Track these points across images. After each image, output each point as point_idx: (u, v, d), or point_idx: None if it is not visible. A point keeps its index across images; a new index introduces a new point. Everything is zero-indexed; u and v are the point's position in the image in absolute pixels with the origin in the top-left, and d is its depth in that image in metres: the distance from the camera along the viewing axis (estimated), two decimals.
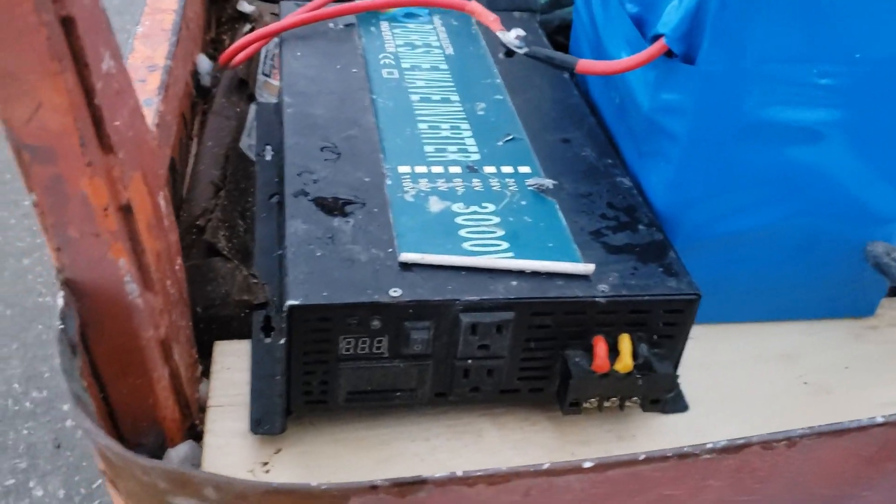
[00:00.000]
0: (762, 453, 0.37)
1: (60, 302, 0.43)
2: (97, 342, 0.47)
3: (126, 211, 0.44)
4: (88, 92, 0.39)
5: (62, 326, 0.42)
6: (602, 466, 0.35)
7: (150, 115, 0.55)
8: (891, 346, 0.64)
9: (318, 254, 0.50)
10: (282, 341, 0.49)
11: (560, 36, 0.85)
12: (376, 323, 0.48)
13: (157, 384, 0.50)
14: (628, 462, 0.36)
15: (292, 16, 0.71)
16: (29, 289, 1.45)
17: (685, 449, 0.36)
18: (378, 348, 0.49)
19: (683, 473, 0.37)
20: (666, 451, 0.36)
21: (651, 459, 0.36)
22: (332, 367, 0.50)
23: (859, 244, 0.60)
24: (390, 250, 0.51)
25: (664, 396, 0.53)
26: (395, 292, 0.48)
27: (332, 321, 0.48)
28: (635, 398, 0.53)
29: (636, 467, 0.36)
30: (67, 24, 0.37)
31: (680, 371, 0.55)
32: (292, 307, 0.47)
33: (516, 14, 0.83)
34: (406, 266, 0.50)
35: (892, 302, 0.67)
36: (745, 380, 0.60)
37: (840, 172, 0.57)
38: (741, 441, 0.37)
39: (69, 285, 0.44)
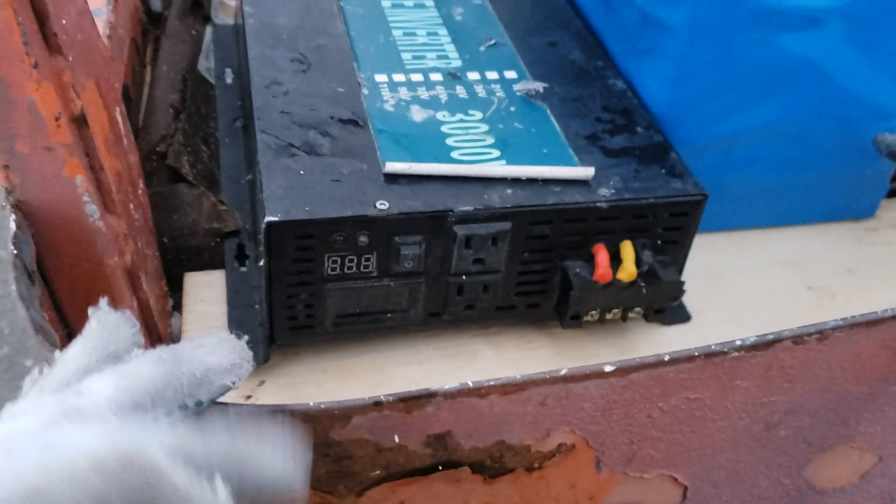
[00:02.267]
0: (793, 349, 0.35)
1: (12, 226, 0.39)
2: (57, 271, 0.43)
3: (80, 122, 0.39)
4: None
5: (16, 252, 0.38)
6: (624, 370, 0.32)
7: (100, 26, 0.50)
8: (892, 248, 0.62)
9: (295, 167, 0.46)
10: (261, 263, 0.45)
11: None
12: (363, 239, 0.44)
13: None
14: (653, 364, 0.33)
15: None
16: None
17: (713, 347, 0.33)
18: (366, 267, 0.46)
19: (710, 375, 0.34)
20: (692, 351, 0.33)
21: (677, 360, 0.33)
22: (317, 290, 0.46)
23: (861, 142, 0.58)
24: (374, 162, 0.47)
25: (669, 305, 0.50)
26: (383, 205, 0.44)
27: (316, 238, 0.44)
28: (638, 308, 0.50)
29: (661, 369, 0.33)
30: None
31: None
32: (271, 224, 0.43)
33: None
34: (392, 178, 0.46)
35: (892, 203, 0.65)
36: (749, 287, 0.58)
37: (841, 64, 0.53)
38: (771, 336, 0.34)
39: (21, 208, 0.40)
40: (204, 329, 0.52)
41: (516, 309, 0.50)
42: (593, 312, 0.50)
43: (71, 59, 0.38)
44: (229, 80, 0.69)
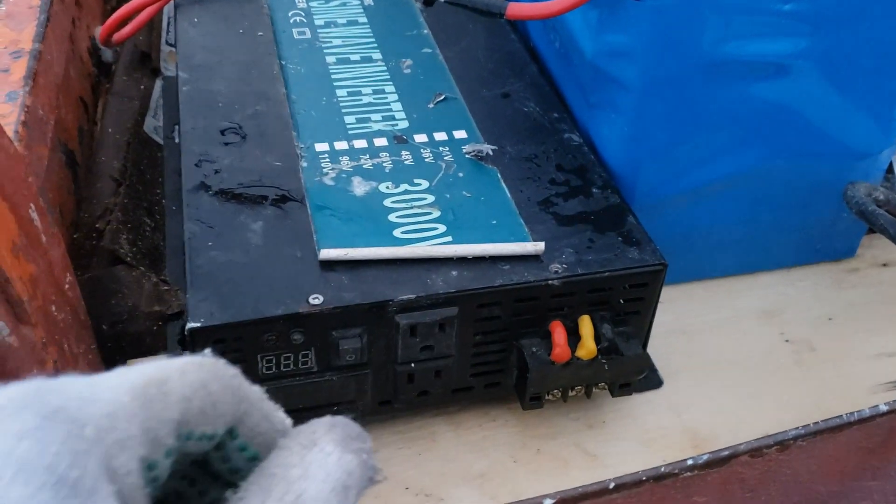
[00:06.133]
0: (751, 462, 0.32)
1: None
2: None
3: None
4: None
5: None
6: (566, 502, 0.29)
7: (13, 112, 0.47)
8: (874, 290, 0.59)
9: (223, 261, 0.43)
10: None
11: None
12: (298, 336, 0.41)
13: None
14: (597, 492, 0.30)
15: None
16: None
17: (662, 469, 0.30)
18: (304, 363, 0.43)
19: (663, 496, 0.31)
20: (640, 475, 0.30)
21: (624, 486, 0.30)
22: None
23: (837, 183, 0.54)
24: (309, 247, 0.44)
25: (634, 379, 0.47)
26: (316, 299, 0.41)
27: (245, 340, 0.41)
28: (603, 384, 0.47)
29: (607, 498, 0.30)
30: None
31: (650, 340, 0.49)
32: (194, 331, 0.40)
33: None
34: (328, 265, 0.43)
35: (873, 240, 0.62)
36: (723, 343, 0.55)
37: (813, 108, 0.50)
38: (726, 452, 0.31)
39: None
40: None
41: (474, 390, 0.47)
42: (555, 392, 0.47)
43: None
44: (178, 140, 0.67)
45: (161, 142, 0.68)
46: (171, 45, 0.79)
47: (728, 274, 0.59)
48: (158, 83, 0.75)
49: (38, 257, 0.43)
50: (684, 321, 0.56)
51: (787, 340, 0.55)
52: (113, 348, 0.53)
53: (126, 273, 0.54)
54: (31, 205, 0.43)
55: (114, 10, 0.91)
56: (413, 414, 0.49)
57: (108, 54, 0.83)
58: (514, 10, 0.48)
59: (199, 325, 0.40)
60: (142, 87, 0.75)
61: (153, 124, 0.70)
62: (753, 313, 0.57)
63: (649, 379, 0.51)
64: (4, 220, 0.39)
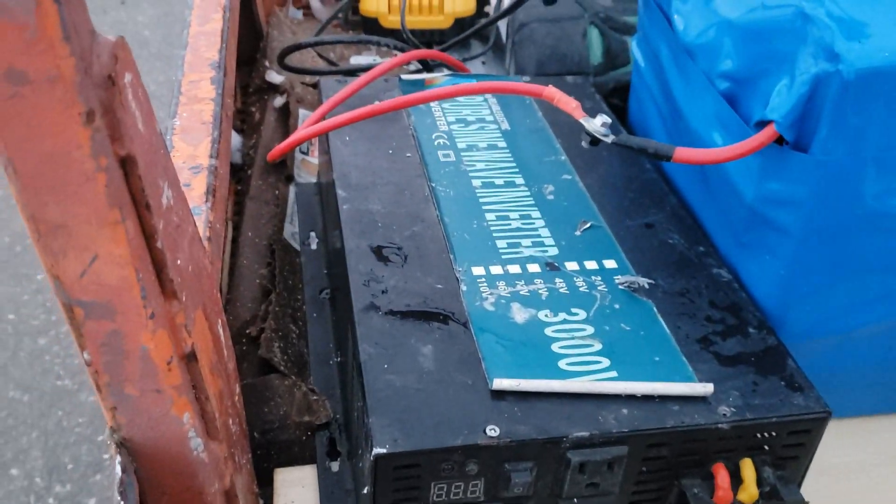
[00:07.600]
0: None
1: (117, 471, 0.37)
2: (156, 502, 0.41)
3: (190, 359, 0.38)
4: (150, 236, 0.34)
5: (122, 501, 0.36)
6: None
7: (200, 226, 0.49)
8: None
9: (399, 385, 0.44)
10: (365, 490, 0.43)
11: (615, 98, 0.80)
12: (472, 467, 0.42)
13: None
14: None
15: (346, 113, 0.64)
16: (46, 370, 1.36)
17: None
18: (473, 492, 0.43)
19: None
20: None
21: None
22: None
23: None
24: (478, 374, 0.45)
25: None
26: (493, 431, 0.42)
27: (423, 467, 0.42)
28: None
29: None
30: (126, 164, 0.32)
31: None
32: (379, 457, 0.41)
33: (569, 78, 0.78)
34: (499, 394, 0.44)
35: None
36: (863, 487, 0.54)
37: None
38: None
39: (125, 445, 0.39)
40: None
41: None
42: None
43: (184, 298, 0.37)
44: (314, 246, 0.69)
45: (298, 248, 0.70)
46: (303, 153, 0.83)
47: (865, 413, 0.58)
48: (292, 189, 0.78)
49: (223, 372, 0.45)
50: (826, 461, 0.55)
51: None
52: (262, 456, 0.54)
53: (279, 382, 0.55)
54: (219, 321, 0.45)
55: (240, 111, 0.96)
56: None
57: (237, 156, 0.87)
58: (682, 154, 0.49)
59: (384, 451, 0.41)
60: (276, 192, 0.78)
61: (290, 230, 0.73)
62: (891, 457, 0.56)
63: None
64: (207, 340, 0.41)
